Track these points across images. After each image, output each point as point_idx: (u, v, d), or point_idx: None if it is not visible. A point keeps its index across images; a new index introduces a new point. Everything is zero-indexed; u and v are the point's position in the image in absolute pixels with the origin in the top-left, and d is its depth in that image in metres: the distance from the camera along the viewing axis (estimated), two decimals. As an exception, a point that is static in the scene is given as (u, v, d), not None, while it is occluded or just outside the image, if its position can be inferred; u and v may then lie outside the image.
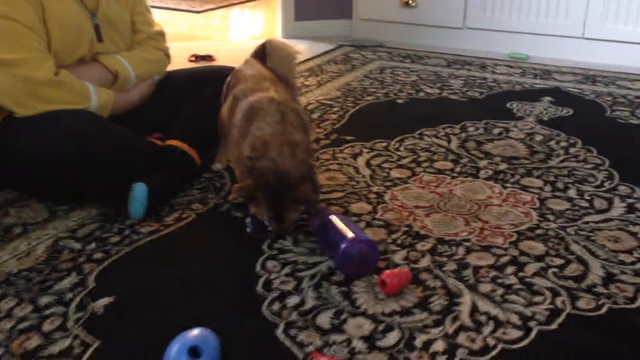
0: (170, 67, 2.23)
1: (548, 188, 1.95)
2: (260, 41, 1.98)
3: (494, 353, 1.26)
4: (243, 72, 1.85)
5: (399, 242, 1.66)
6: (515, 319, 1.36)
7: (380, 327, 1.33)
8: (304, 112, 1.76)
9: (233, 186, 1.60)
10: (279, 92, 1.70)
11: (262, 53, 1.94)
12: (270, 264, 1.56)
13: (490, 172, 2.07)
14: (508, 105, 2.76)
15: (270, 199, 1.54)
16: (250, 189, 1.55)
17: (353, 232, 1.51)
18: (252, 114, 1.63)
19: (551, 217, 1.76)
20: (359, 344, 1.28)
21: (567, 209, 1.81)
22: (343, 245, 1.47)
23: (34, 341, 1.29)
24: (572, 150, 2.25)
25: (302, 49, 1.97)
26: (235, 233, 1.70)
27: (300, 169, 1.54)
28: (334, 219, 1.58)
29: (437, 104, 2.81)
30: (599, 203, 1.85)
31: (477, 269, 1.53)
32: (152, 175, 1.83)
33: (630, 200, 1.86)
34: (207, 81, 2.10)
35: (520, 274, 1.52)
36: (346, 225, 1.55)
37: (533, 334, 1.31)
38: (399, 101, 2.84)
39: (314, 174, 1.69)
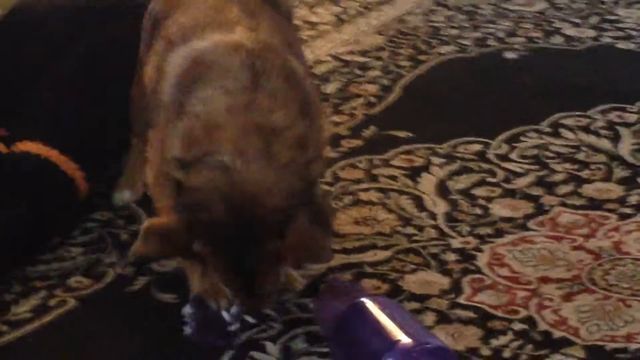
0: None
1: None
2: None
3: None
4: None
5: (506, 354, 1.66)
6: None
7: None
8: (310, 75, 1.77)
9: (141, 228, 1.61)
10: (257, 28, 1.74)
11: None
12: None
13: (703, 206, 2.09)
14: None
15: (227, 253, 1.56)
16: (180, 236, 1.57)
17: (409, 334, 1.51)
18: (195, 74, 1.66)
19: None
20: None
21: None
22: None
23: None
24: None
25: None
26: (163, 338, 1.71)
27: (284, 186, 1.56)
28: (369, 305, 1.58)
29: (589, 61, 2.81)
30: None
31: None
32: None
33: None
34: (95, 24, 2.13)
35: None
36: (394, 318, 1.55)
37: None
38: (509, 56, 2.85)
39: (322, 198, 1.71)
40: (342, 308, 1.61)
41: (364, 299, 1.60)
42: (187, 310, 1.69)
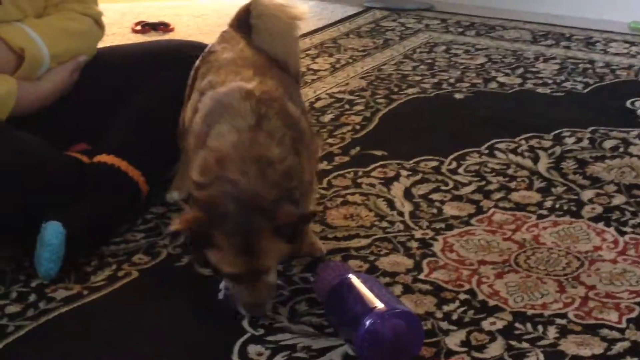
0: (103, 43, 2.27)
1: (690, 235, 1.96)
2: (244, 0, 2.01)
3: None
4: (217, 55, 1.88)
5: (454, 317, 1.66)
6: None
7: None
8: (308, 116, 1.77)
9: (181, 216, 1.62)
10: (266, 82, 1.73)
11: (246, 21, 1.97)
12: (253, 349, 1.56)
13: (600, 209, 2.09)
14: (628, 103, 2.78)
15: (238, 236, 1.55)
16: (202, 224, 1.57)
17: (383, 301, 1.51)
18: (215, 113, 1.66)
19: (695, 281, 1.77)
20: None
21: None
22: (368, 322, 1.48)
23: None
24: None
25: (306, 11, 1.98)
26: (200, 300, 1.71)
27: (273, 192, 1.56)
28: (354, 280, 1.58)
29: (516, 101, 2.82)
30: None
31: (577, 361, 1.54)
32: (73, 208, 1.85)
33: None
34: (161, 65, 2.13)
35: (646, 371, 1.52)
36: (372, 289, 1.55)
37: None
38: (458, 96, 2.86)
39: (300, 202, 1.68)
40: (333, 282, 1.61)
41: (350, 275, 1.61)
42: (223, 283, 1.69)
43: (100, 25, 2.20)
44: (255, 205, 1.54)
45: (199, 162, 1.61)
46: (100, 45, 2.23)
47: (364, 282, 1.58)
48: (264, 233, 1.55)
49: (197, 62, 1.93)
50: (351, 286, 1.57)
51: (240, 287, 1.61)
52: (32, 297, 1.73)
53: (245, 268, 1.57)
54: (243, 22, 1.97)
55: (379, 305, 1.50)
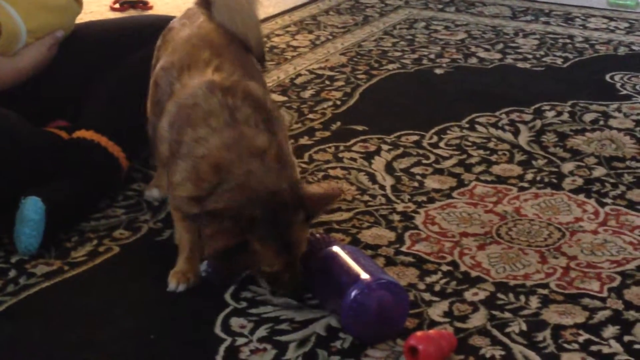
0: (81, 18, 2.24)
1: (669, 205, 1.97)
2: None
3: None
4: (174, 33, 1.84)
5: (437, 288, 1.66)
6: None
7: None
8: (268, 91, 1.71)
9: (205, 250, 1.54)
10: (223, 66, 1.68)
11: None
12: (236, 322, 1.56)
13: (580, 181, 2.09)
14: (607, 77, 2.78)
15: (274, 237, 1.49)
16: (236, 236, 1.48)
17: (368, 272, 1.51)
18: (184, 118, 1.60)
19: (674, 251, 1.79)
20: None
21: (699, 238, 1.83)
22: (354, 292, 1.47)
23: None
24: None
25: None
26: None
27: (282, 181, 1.53)
28: (339, 251, 1.58)
29: (496, 75, 2.81)
30: None
31: (558, 330, 1.54)
32: (52, 184, 1.84)
33: None
34: (139, 40, 2.11)
35: (627, 338, 1.52)
36: (357, 261, 1.55)
37: None
38: (438, 71, 2.85)
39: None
40: (319, 254, 1.60)
41: (334, 247, 1.59)
42: (205, 262, 1.68)
43: (78, 1, 2.17)
44: (278, 201, 1.50)
45: (188, 176, 1.55)
46: (79, 20, 2.20)
47: (349, 253, 1.58)
48: (296, 225, 1.52)
49: (159, 41, 1.89)
50: (336, 258, 1.56)
51: (279, 279, 1.57)
52: (12, 273, 1.71)
53: (284, 264, 1.53)
54: None
55: (364, 276, 1.50)
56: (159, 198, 1.98)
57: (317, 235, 1.68)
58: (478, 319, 1.57)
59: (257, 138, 1.57)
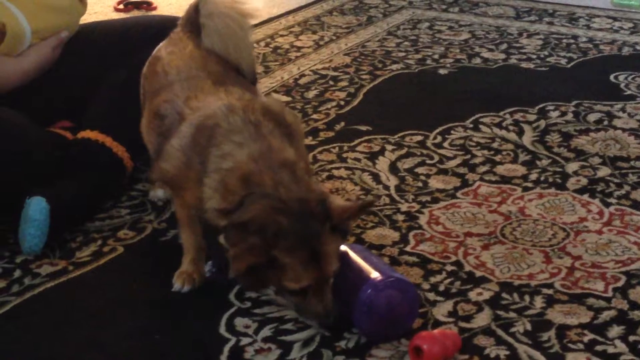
0: (85, 19, 2.24)
1: (674, 205, 1.97)
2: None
3: None
4: (164, 63, 1.78)
5: (441, 289, 1.66)
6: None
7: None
8: (287, 111, 1.68)
9: (231, 268, 1.47)
10: (232, 90, 1.66)
11: (196, 20, 1.84)
12: (241, 322, 1.56)
13: (585, 181, 2.09)
14: (612, 77, 2.78)
15: (302, 248, 1.44)
16: (263, 249, 1.43)
17: (378, 270, 1.51)
18: (203, 139, 1.56)
19: (679, 251, 1.78)
20: None
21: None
22: (369, 291, 1.47)
23: None
24: None
25: (259, 7, 1.86)
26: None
27: (311, 192, 1.49)
28: (349, 252, 1.57)
29: (500, 76, 2.81)
30: None
31: (563, 330, 1.54)
32: (57, 184, 1.84)
33: None
34: (144, 41, 2.11)
35: (632, 338, 1.52)
36: (367, 260, 1.55)
37: None
38: (442, 72, 2.85)
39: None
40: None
41: (345, 247, 1.57)
42: (209, 263, 1.70)
43: (82, 1, 2.18)
44: (307, 212, 1.46)
45: (214, 187, 1.51)
46: (83, 21, 2.21)
47: (359, 252, 1.58)
48: (325, 237, 1.47)
49: (145, 68, 1.85)
50: (347, 257, 1.55)
51: (307, 300, 1.49)
52: (17, 273, 1.72)
53: (313, 278, 1.47)
54: (193, 22, 1.85)
55: (375, 275, 1.50)
56: (163, 198, 1.98)
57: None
58: (482, 319, 1.57)
59: (285, 150, 1.54)
